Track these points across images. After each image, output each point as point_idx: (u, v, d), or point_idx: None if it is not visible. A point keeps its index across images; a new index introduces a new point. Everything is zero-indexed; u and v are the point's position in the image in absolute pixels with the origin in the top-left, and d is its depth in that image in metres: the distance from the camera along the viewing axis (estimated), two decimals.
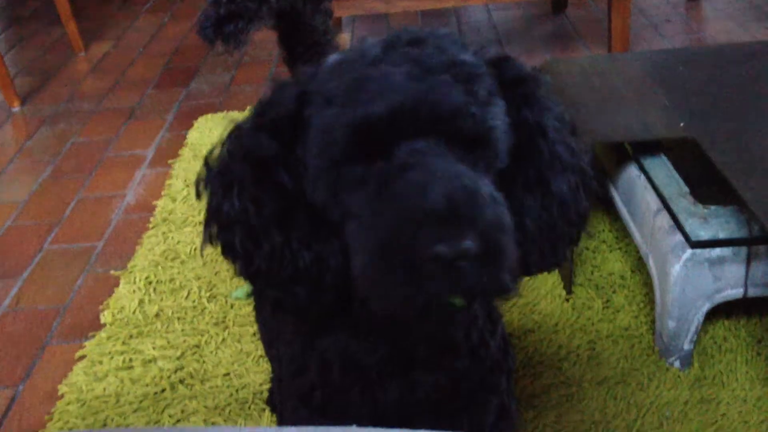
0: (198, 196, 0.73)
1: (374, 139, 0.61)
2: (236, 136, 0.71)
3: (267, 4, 1.02)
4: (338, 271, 0.67)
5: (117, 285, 1.76)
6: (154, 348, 1.54)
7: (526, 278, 1.64)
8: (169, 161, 2.30)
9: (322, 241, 0.67)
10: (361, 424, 0.72)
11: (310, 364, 0.77)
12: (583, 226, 0.73)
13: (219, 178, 0.70)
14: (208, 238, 0.72)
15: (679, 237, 1.34)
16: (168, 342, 1.55)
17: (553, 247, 0.71)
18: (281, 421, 0.90)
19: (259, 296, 0.93)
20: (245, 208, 0.67)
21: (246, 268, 0.69)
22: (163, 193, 2.12)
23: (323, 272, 0.67)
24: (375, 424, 0.72)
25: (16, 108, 2.78)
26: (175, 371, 1.48)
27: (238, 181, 0.68)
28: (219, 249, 0.72)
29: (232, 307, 1.64)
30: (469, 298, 0.59)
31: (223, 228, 0.70)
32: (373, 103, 0.60)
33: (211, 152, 0.73)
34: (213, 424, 1.36)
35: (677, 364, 1.40)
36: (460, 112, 0.61)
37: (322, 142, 0.64)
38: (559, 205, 0.70)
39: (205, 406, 1.39)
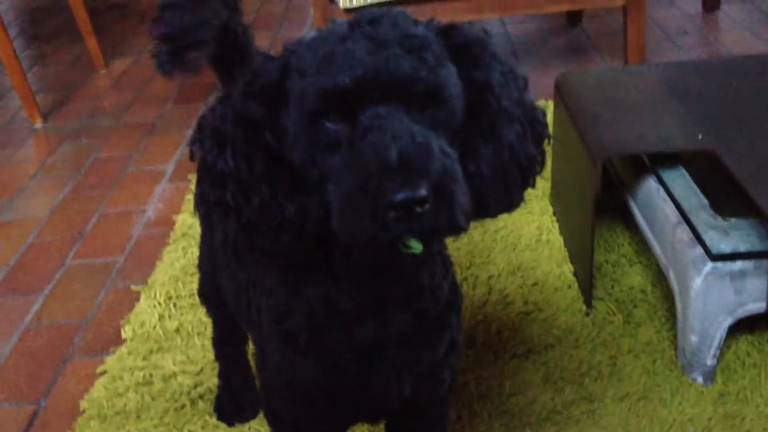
0: (192, 157, 0.84)
1: (340, 105, 0.73)
2: (227, 102, 0.81)
3: (210, 29, 1.10)
4: (318, 221, 0.78)
5: (137, 300, 1.77)
6: (174, 363, 1.55)
7: (544, 293, 1.64)
8: (189, 176, 2.31)
9: (304, 196, 0.78)
10: (340, 360, 0.88)
11: (295, 309, 0.88)
12: (534, 170, 0.84)
13: (213, 139, 0.80)
14: (199, 199, 0.78)
15: (699, 250, 1.33)
16: (188, 357, 1.56)
17: (507, 190, 0.83)
18: (262, 366, 0.98)
19: (246, 247, 1.00)
20: (238, 166, 0.78)
21: (238, 220, 0.80)
22: (182, 208, 2.14)
23: (305, 221, 0.79)
24: (352, 360, 0.88)
25: (39, 124, 2.82)
26: (195, 387, 1.48)
27: (231, 142, 0.79)
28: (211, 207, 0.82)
29: None
30: (426, 237, 0.71)
31: (216, 185, 0.80)
32: (338, 75, 0.72)
33: (203, 116, 0.83)
34: None
35: (700, 379, 1.39)
36: (412, 77, 0.73)
37: (298, 109, 0.75)
38: (509, 152, 0.81)
39: None
